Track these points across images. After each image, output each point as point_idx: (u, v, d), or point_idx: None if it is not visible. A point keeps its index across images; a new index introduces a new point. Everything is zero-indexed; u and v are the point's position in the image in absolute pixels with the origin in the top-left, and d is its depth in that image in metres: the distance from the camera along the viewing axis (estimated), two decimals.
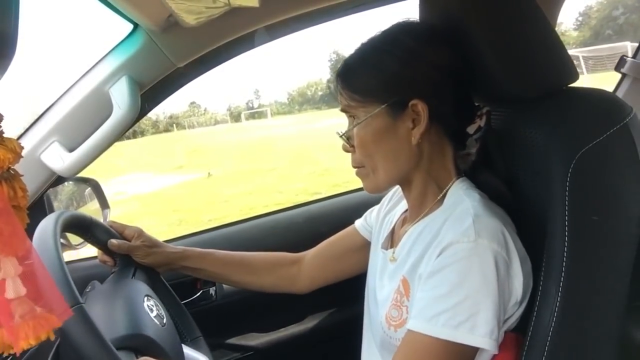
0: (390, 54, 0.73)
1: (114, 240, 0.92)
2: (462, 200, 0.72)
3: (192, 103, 47.27)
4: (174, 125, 42.06)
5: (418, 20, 0.78)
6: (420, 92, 0.71)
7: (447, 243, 0.66)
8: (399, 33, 0.75)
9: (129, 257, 0.94)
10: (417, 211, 0.80)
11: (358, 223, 1.02)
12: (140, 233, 0.97)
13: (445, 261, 0.66)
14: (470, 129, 0.81)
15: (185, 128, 40.53)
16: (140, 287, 0.85)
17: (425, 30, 0.77)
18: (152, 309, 0.80)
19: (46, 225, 0.72)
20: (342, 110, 0.78)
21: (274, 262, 1.05)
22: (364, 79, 0.75)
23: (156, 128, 41.23)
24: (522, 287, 0.67)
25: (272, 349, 1.30)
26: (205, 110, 47.45)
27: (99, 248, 0.93)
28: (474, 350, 0.65)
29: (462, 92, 0.75)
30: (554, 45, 0.73)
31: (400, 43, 0.73)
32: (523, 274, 0.67)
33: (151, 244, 0.96)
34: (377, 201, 1.00)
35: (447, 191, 0.76)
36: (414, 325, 0.67)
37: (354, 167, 0.80)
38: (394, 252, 0.81)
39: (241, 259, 1.04)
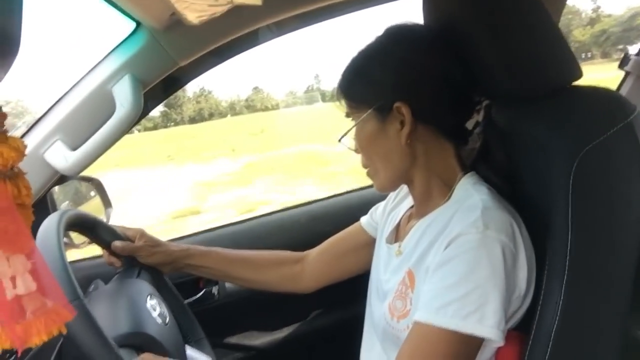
0: (378, 61, 0.76)
1: (117, 243, 0.92)
2: (471, 194, 0.72)
3: (255, 88, 47.08)
4: (249, 107, 42.37)
5: (410, 24, 0.79)
6: (405, 95, 0.73)
7: (456, 234, 0.67)
8: (387, 40, 0.78)
9: (133, 257, 0.94)
10: (423, 207, 0.80)
11: (364, 220, 1.02)
12: (142, 233, 0.97)
13: (454, 252, 0.66)
14: (469, 124, 0.81)
15: (257, 111, 40.89)
16: (144, 286, 0.86)
17: (414, 35, 0.78)
18: (154, 308, 0.80)
19: (49, 224, 0.72)
20: (346, 116, 0.82)
21: (277, 260, 1.05)
22: (355, 87, 0.79)
23: (234, 110, 41.76)
24: (525, 280, 0.68)
25: (274, 349, 1.30)
26: (267, 94, 47.26)
27: (103, 248, 0.94)
28: (480, 342, 0.65)
29: (455, 91, 0.76)
30: (558, 43, 0.72)
31: (388, 51, 0.76)
32: (527, 267, 0.67)
33: (154, 244, 0.96)
34: (380, 199, 1.00)
35: (455, 186, 0.76)
36: (421, 317, 0.66)
37: (363, 168, 0.83)
38: (399, 246, 0.81)
39: (244, 256, 1.04)
